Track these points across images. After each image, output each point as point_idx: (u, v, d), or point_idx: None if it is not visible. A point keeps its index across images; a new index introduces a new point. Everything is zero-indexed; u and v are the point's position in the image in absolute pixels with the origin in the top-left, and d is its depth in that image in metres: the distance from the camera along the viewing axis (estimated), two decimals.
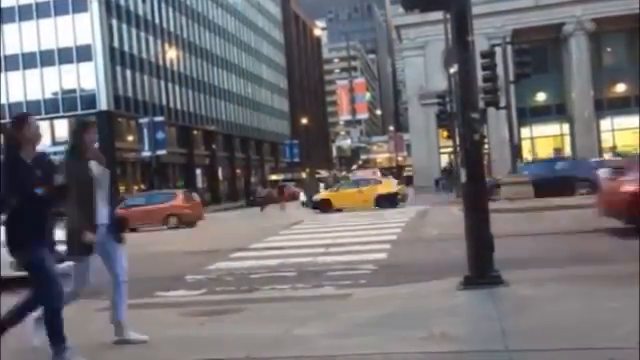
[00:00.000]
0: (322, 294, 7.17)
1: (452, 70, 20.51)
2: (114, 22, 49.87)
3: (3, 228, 4.33)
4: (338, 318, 5.41)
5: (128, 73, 51.27)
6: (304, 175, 72.54)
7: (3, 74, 48.77)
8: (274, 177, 74.44)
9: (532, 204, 18.96)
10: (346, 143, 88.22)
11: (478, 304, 5.58)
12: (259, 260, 10.79)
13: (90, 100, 48.04)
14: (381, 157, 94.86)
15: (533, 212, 17.04)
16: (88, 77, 48.15)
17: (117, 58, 49.80)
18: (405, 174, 55.90)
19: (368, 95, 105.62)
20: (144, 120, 43.46)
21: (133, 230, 21.40)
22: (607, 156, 33.33)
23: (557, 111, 37.10)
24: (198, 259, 11.53)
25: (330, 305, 6.14)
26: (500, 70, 20.80)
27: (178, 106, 58.82)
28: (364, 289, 7.30)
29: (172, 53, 53.37)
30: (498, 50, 21.28)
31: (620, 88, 35.99)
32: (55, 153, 48.98)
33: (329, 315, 5.57)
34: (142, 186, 50.65)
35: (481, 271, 6.08)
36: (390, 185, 26.78)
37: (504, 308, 5.21)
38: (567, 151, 36.73)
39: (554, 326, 4.49)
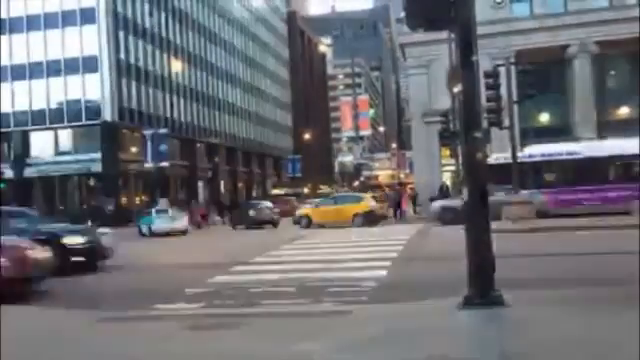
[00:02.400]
0: (322, 310, 7.14)
1: (456, 89, 20.57)
2: (121, 34, 50.25)
3: None
4: (338, 335, 5.40)
5: (133, 85, 51.56)
6: (306, 190, 72.55)
7: (9, 83, 49.09)
8: (276, 191, 74.45)
9: (534, 225, 18.91)
10: (348, 159, 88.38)
11: (478, 324, 5.56)
12: (259, 274, 10.76)
13: (95, 111, 48.25)
14: (383, 174, 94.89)
15: (535, 233, 17.01)
16: (93, 88, 48.42)
17: (123, 70, 50.10)
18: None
19: (372, 112, 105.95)
20: (148, 132, 43.61)
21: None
22: None
23: (560, 132, 37.11)
24: (198, 272, 11.50)
25: (330, 321, 6.12)
26: (504, 90, 20.87)
27: (182, 118, 59.06)
28: (364, 306, 7.28)
29: (178, 66, 53.71)
30: (502, 70, 21.36)
31: (623, 111, 36.04)
32: (58, 163, 48.87)
33: (329, 331, 5.55)
34: (144, 197, 50.69)
35: (482, 291, 6.06)
36: (367, 204, 27.14)
37: (504, 329, 5.19)
38: None
39: (554, 348, 4.47)
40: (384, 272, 10.24)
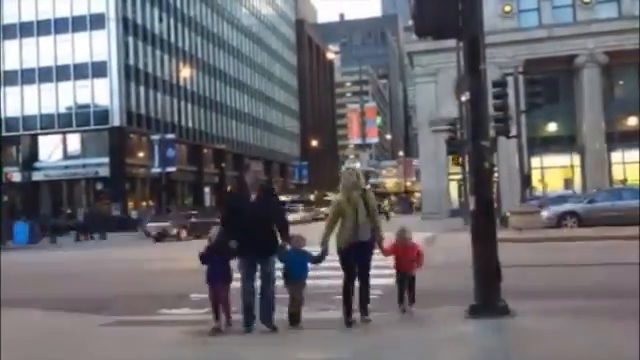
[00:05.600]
0: (327, 318, 7.11)
1: (463, 98, 20.52)
2: (130, 40, 50.54)
3: None
4: (342, 343, 5.37)
5: (142, 90, 51.80)
6: (312, 197, 72.54)
7: (19, 87, 49.43)
8: (282, 198, 74.48)
9: (541, 235, 18.81)
10: (355, 166, 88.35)
11: (483, 334, 5.52)
12: None
13: (103, 116, 48.50)
14: (390, 182, 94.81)
15: (541, 243, 16.90)
16: (102, 93, 48.68)
17: (132, 75, 50.37)
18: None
19: (379, 120, 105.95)
20: (155, 137, 43.74)
21: None
22: None
23: (568, 142, 36.96)
24: (204, 277, 11.46)
25: (334, 329, 6.09)
26: (511, 99, 20.83)
27: (189, 124, 59.25)
28: (370, 314, 7.22)
29: (186, 72, 53.92)
30: (510, 79, 21.33)
31: (632, 121, 35.87)
32: (66, 167, 48.92)
33: (333, 339, 5.52)
34: (150, 202, 50.81)
35: (488, 300, 6.02)
36: None
37: (509, 339, 5.15)
38: (577, 183, 36.53)
39: None
40: (392, 280, 10.16)
